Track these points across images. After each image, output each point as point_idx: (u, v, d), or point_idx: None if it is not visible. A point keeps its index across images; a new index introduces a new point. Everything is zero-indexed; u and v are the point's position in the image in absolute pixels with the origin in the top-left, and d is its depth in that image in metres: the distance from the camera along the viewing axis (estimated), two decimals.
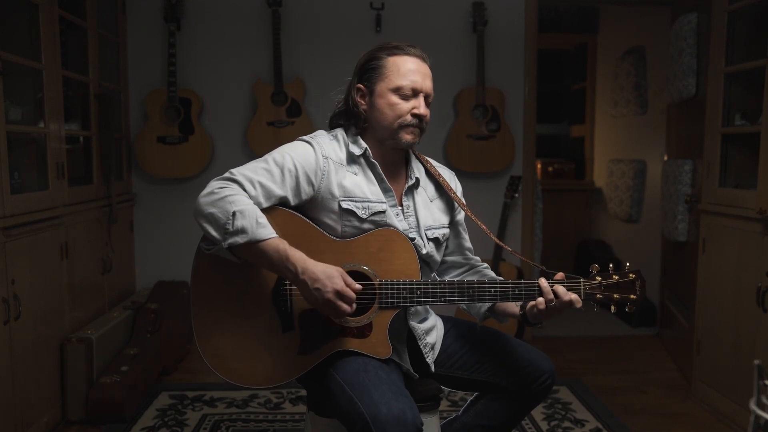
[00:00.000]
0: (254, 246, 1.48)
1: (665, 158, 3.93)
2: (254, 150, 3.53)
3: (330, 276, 1.48)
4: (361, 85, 1.69)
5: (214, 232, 1.50)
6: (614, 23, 5.29)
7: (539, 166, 5.64)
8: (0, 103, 2.28)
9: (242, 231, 1.47)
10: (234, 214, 1.48)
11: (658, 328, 4.07)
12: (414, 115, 1.65)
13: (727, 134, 2.81)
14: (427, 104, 1.69)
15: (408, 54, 1.67)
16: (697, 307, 3.00)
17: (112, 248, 3.33)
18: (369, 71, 1.68)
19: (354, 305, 1.51)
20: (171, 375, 3.24)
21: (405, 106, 1.65)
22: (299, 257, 1.49)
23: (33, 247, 2.50)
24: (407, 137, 1.66)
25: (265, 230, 1.49)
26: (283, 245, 1.49)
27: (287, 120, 3.57)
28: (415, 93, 1.65)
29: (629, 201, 4.69)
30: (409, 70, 1.65)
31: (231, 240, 1.48)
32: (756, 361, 1.09)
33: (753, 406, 1.10)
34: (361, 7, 3.68)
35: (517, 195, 3.74)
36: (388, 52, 1.68)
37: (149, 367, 2.99)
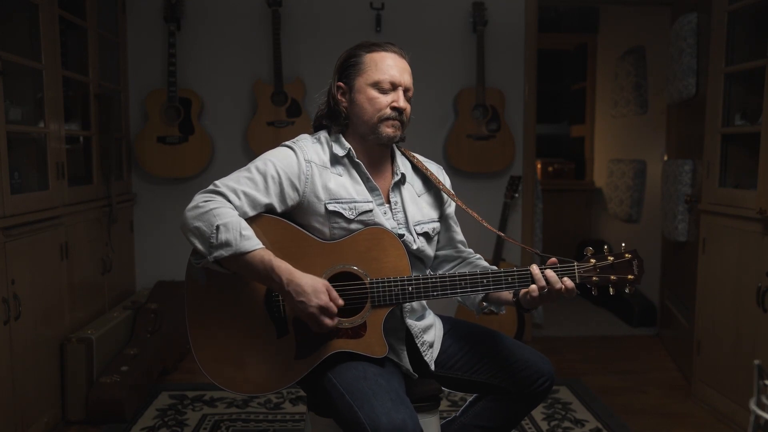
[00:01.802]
0: (240, 258, 1.49)
1: (665, 158, 3.93)
2: (254, 150, 3.53)
3: (316, 290, 1.50)
4: (340, 83, 1.71)
5: (200, 246, 1.51)
6: (614, 23, 5.29)
7: (539, 166, 5.65)
8: (0, 103, 2.28)
9: (226, 244, 1.48)
10: (218, 227, 1.49)
11: (658, 328, 4.07)
12: (393, 108, 1.66)
13: (727, 134, 2.81)
14: (408, 99, 1.70)
15: (385, 50, 1.69)
16: (697, 307, 3.00)
17: (112, 248, 3.33)
18: (348, 68, 1.70)
19: (336, 319, 1.52)
20: (171, 375, 3.24)
21: (384, 99, 1.66)
22: (285, 268, 1.50)
23: (33, 247, 2.50)
24: (388, 131, 1.66)
25: (250, 242, 1.50)
26: (268, 256, 1.50)
27: (287, 120, 3.58)
28: (393, 86, 1.67)
29: (629, 201, 4.69)
30: (387, 65, 1.67)
31: (216, 253, 1.49)
32: (756, 361, 1.09)
33: (753, 406, 1.10)
34: (361, 7, 3.68)
35: (517, 195, 3.74)
36: (366, 49, 1.70)
37: (149, 367, 2.99)
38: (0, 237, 2.25)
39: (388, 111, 1.65)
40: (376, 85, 1.66)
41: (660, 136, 4.17)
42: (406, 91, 1.68)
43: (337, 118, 1.72)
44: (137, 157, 3.58)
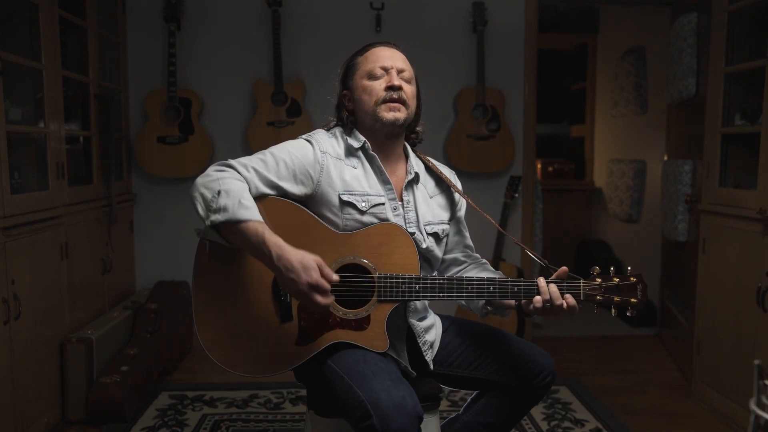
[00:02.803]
0: (234, 226, 1.48)
1: (665, 158, 3.93)
2: (254, 150, 3.47)
3: (306, 267, 1.44)
4: (345, 92, 1.76)
5: (200, 210, 1.52)
6: (614, 23, 5.29)
7: (539, 166, 5.65)
8: (0, 103, 2.28)
9: (224, 209, 1.48)
10: (219, 192, 1.50)
11: (658, 328, 4.07)
12: (388, 88, 1.68)
13: (727, 134, 2.81)
14: (406, 80, 1.71)
15: (375, 46, 1.75)
16: (697, 307, 3.00)
17: (112, 248, 3.33)
18: (346, 74, 1.77)
19: (332, 297, 1.48)
20: (171, 375, 3.24)
21: (377, 84, 1.69)
22: (275, 242, 1.46)
23: (33, 247, 2.50)
24: (386, 114, 1.67)
25: (247, 212, 1.48)
26: (262, 228, 1.48)
27: (287, 120, 3.57)
28: (385, 70, 1.70)
29: (629, 201, 4.69)
30: (376, 56, 1.72)
31: (213, 217, 1.49)
32: (756, 361, 1.09)
33: (753, 406, 1.09)
34: (361, 7, 3.68)
35: (517, 195, 3.74)
36: (359, 52, 1.76)
37: (149, 367, 2.99)
38: (0, 237, 2.25)
39: (383, 93, 1.68)
40: (369, 75, 1.70)
41: (660, 136, 4.17)
42: (400, 72, 1.70)
43: (344, 122, 1.76)
44: (137, 157, 3.58)
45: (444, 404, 2.70)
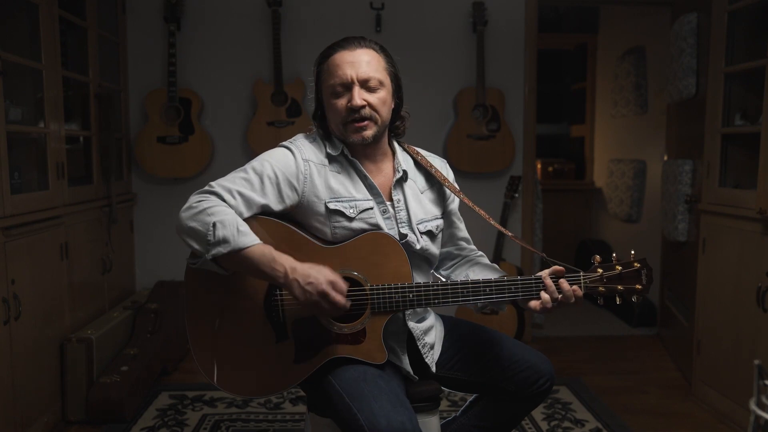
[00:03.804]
0: (238, 254, 1.47)
1: (665, 158, 3.93)
2: (254, 150, 3.53)
3: (320, 270, 1.47)
4: (320, 95, 1.68)
5: (197, 246, 1.49)
6: (614, 23, 5.29)
7: (539, 166, 5.64)
8: (0, 103, 2.28)
9: (224, 241, 1.46)
10: (214, 225, 1.46)
11: (658, 328, 4.07)
12: (350, 110, 1.59)
13: (727, 134, 2.81)
14: (371, 89, 1.59)
15: (337, 51, 1.61)
16: (697, 307, 3.00)
17: (112, 248, 3.33)
18: (318, 78, 1.67)
19: (348, 302, 1.49)
20: (171, 375, 3.24)
21: (340, 104, 1.60)
22: (286, 258, 1.48)
23: (33, 247, 2.50)
24: (354, 136, 1.60)
25: (248, 237, 1.47)
26: (269, 249, 1.48)
27: (287, 120, 3.58)
28: (346, 87, 1.59)
29: (629, 201, 4.69)
30: (336, 66, 1.59)
31: (214, 251, 1.46)
32: (756, 361, 1.09)
33: (753, 406, 1.09)
34: (361, 7, 3.68)
35: (517, 195, 3.74)
36: (323, 56, 1.65)
37: (149, 367, 2.99)
38: (0, 237, 2.25)
39: (345, 114, 1.59)
40: (333, 92, 1.61)
41: (660, 136, 4.17)
42: (365, 82, 1.58)
43: (323, 130, 1.70)
44: (137, 157, 3.58)
45: (444, 404, 2.70)
